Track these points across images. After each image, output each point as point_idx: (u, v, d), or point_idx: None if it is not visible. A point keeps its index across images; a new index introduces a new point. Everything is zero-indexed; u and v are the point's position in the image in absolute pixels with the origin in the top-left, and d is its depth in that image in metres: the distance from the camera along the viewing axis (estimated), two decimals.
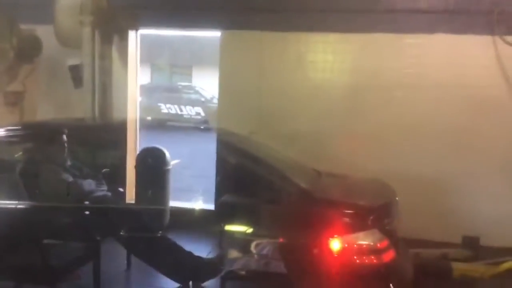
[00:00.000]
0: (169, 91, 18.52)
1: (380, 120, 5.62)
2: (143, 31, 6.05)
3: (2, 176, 3.76)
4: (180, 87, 19.10)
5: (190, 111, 17.38)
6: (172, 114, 17.42)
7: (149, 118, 16.85)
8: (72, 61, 5.58)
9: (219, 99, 6.22)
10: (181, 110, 17.53)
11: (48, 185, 3.85)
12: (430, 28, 5.50)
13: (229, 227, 4.29)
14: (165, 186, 4.94)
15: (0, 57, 5.91)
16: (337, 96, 5.78)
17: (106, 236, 3.94)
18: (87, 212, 4.01)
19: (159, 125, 16.86)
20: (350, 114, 5.72)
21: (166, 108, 17.45)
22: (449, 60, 5.50)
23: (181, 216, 5.38)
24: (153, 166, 4.83)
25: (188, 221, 5.44)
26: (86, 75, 5.46)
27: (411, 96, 5.60)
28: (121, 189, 4.73)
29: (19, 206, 3.45)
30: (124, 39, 5.79)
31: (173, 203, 5.79)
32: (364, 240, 3.02)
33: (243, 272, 3.54)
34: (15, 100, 6.49)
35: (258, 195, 3.89)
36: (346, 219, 3.19)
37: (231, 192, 5.05)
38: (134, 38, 5.95)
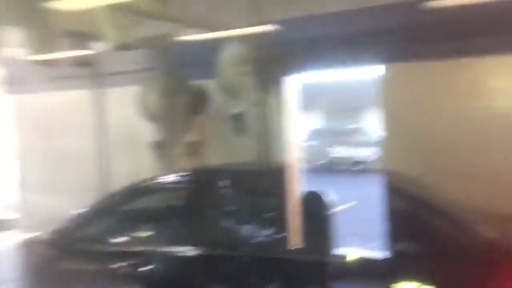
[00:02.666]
0: (339, 134, 18.47)
1: None
2: (301, 76, 6.04)
3: (168, 223, 3.93)
4: (349, 130, 18.93)
5: (361, 154, 16.99)
6: (342, 158, 17.25)
7: (319, 162, 17.20)
8: (234, 110, 5.80)
9: (384, 138, 5.83)
10: (351, 153, 17.26)
11: (207, 231, 3.90)
12: None
13: (399, 281, 3.85)
14: (329, 231, 4.68)
15: (175, 111, 6.44)
16: None
17: (267, 285, 3.80)
18: (245, 260, 3.93)
19: (330, 168, 16.92)
20: None
21: (336, 152, 17.35)
22: None
23: (348, 265, 5.05)
24: (315, 210, 4.64)
25: (356, 271, 5.07)
26: (247, 122, 5.60)
27: None
28: (281, 236, 4.60)
29: (181, 253, 3.53)
30: (281, 85, 5.84)
31: (342, 249, 5.48)
32: None
33: None
34: (193, 150, 6.98)
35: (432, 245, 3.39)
36: None
37: (401, 240, 4.59)
38: (291, 84, 5.96)
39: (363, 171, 16.01)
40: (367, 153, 16.81)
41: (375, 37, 5.41)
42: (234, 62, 5.58)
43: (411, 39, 5.32)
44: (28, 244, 4.67)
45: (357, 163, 16.89)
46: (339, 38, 5.67)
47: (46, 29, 4.63)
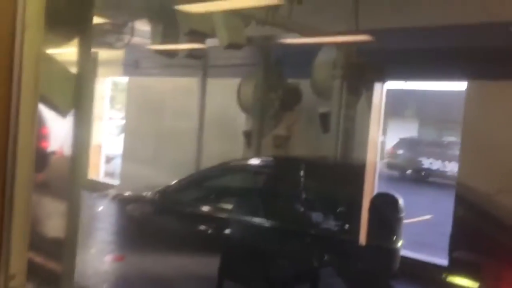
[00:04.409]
0: (433, 146, 18.04)
1: None
2: (390, 83, 6.39)
3: (248, 198, 4.58)
4: (445, 142, 18.40)
5: (454, 168, 16.50)
6: (434, 170, 16.86)
7: (408, 171, 16.98)
8: (322, 109, 6.29)
9: (461, 153, 6.03)
10: (444, 167, 16.81)
11: (281, 211, 4.49)
12: None
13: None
14: (395, 233, 5.04)
15: (269, 105, 7.08)
16: None
17: (324, 265, 4.31)
18: (309, 240, 4.47)
19: (419, 179, 16.65)
20: None
21: (428, 163, 17.01)
22: None
23: (410, 267, 5.38)
24: (384, 212, 5.02)
25: (416, 272, 5.39)
26: (333, 121, 6.07)
27: None
28: (347, 226, 5.04)
29: (256, 223, 4.16)
30: (370, 91, 6.23)
31: (410, 255, 5.82)
32: None
33: None
34: (281, 143, 7.58)
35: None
36: None
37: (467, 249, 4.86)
38: (381, 91, 6.34)
39: (451, 185, 15.63)
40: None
41: (463, 54, 5.62)
42: (328, 66, 6.07)
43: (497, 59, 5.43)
44: (128, 201, 5.59)
45: (450, 178, 16.49)
46: (429, 52, 5.94)
47: (172, 25, 5.42)
